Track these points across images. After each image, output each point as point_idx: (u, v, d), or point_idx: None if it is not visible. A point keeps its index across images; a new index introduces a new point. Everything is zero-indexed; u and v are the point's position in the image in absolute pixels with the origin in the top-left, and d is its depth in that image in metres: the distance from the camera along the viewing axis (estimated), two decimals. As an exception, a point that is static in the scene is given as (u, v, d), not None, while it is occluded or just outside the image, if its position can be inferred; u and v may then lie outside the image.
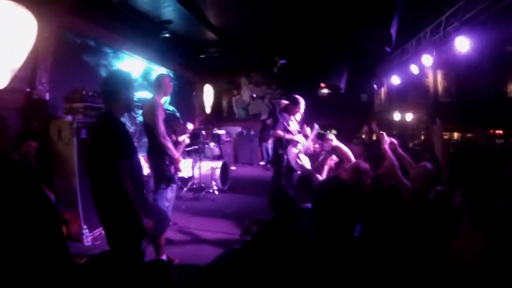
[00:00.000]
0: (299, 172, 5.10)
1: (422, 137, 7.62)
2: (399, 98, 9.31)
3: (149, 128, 4.05)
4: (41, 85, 4.75)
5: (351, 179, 3.41)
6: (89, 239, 4.43)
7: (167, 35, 7.63)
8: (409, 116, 9.00)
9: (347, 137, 7.37)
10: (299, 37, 8.29)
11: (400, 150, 3.65)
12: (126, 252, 2.61)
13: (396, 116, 9.66)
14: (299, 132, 5.59)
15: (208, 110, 12.07)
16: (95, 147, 2.55)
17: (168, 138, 4.03)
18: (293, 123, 5.61)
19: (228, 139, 10.88)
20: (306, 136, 5.57)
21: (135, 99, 2.79)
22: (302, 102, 5.62)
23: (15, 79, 4.24)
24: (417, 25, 6.59)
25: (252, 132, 11.96)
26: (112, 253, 2.67)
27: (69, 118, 4.53)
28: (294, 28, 7.70)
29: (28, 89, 4.60)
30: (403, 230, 2.58)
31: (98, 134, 2.57)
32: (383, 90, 10.55)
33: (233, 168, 10.57)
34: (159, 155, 4.06)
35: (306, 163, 4.81)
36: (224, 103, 13.24)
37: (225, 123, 12.39)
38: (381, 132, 3.80)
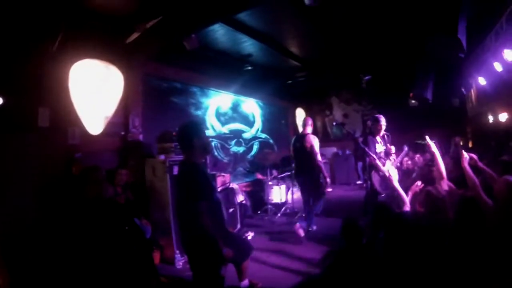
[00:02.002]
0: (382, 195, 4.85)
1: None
2: (490, 98, 8.10)
3: (308, 153, 5.86)
4: (135, 128, 5.38)
5: (425, 207, 3.22)
6: (181, 262, 4.74)
7: (249, 67, 7.89)
8: (503, 116, 7.65)
9: (441, 148, 6.66)
10: (377, 53, 7.95)
11: (480, 164, 3.43)
12: (206, 277, 2.92)
13: (490, 118, 8.38)
14: (385, 152, 5.41)
15: (302, 133, 12.07)
16: (179, 192, 2.95)
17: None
18: (379, 145, 5.42)
19: (323, 160, 10.65)
20: (390, 154, 5.40)
21: (210, 141, 3.12)
22: (382, 120, 5.46)
23: (111, 124, 4.95)
24: (495, 17, 5.76)
25: (347, 152, 11.53)
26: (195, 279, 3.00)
27: (162, 157, 5.01)
28: (370, 45, 7.43)
29: (122, 133, 5.25)
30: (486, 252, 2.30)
31: (180, 181, 2.97)
32: (473, 93, 9.35)
33: (329, 189, 10.27)
34: (315, 173, 5.87)
35: (394, 176, 4.52)
36: (318, 125, 13.04)
37: (321, 144, 12.17)
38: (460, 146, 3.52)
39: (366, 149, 5.07)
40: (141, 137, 5.51)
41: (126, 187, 4.79)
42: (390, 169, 5.00)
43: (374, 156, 5.03)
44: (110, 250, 3.64)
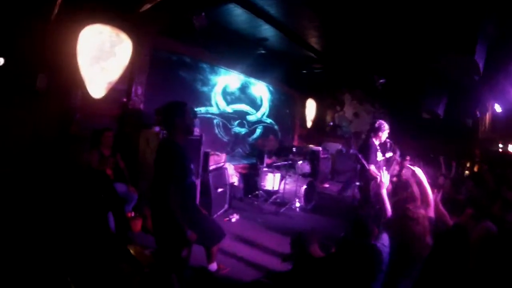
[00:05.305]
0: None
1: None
2: (504, 126, 7.91)
3: None
4: (136, 97, 5.46)
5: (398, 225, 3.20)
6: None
7: (263, 51, 7.81)
8: (513, 147, 7.53)
9: (446, 165, 6.57)
10: (392, 59, 7.85)
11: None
12: (167, 255, 3.05)
13: (500, 146, 8.25)
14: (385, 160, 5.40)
15: (309, 124, 12.02)
16: (154, 169, 2.97)
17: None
18: (379, 153, 5.36)
19: (324, 156, 10.64)
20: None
21: (192, 123, 3.12)
22: (385, 126, 5.36)
23: (114, 90, 5.03)
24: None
25: (351, 151, 11.45)
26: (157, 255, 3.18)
27: (156, 129, 5.10)
28: (387, 50, 7.31)
29: (124, 100, 5.34)
30: None
31: (156, 159, 2.98)
32: (487, 117, 9.12)
33: (326, 185, 10.32)
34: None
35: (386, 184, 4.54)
36: (328, 119, 12.94)
37: (328, 139, 12.16)
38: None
39: (369, 153, 5.07)
40: (142, 106, 5.58)
41: (114, 151, 4.91)
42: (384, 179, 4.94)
43: (370, 167, 4.99)
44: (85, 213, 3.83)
